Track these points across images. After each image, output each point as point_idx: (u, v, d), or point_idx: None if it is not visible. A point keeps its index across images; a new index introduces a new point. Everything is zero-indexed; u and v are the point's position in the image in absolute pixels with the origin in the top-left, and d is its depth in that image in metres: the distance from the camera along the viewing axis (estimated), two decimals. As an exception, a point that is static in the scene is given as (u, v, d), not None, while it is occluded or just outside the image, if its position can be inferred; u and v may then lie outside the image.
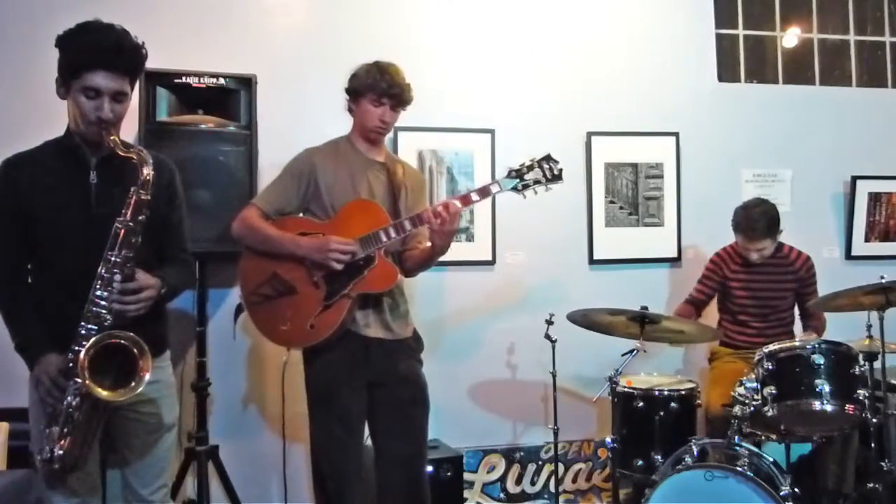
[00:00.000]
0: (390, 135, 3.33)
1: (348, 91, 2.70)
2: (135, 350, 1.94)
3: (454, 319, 3.71)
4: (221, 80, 3.09)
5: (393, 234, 2.52)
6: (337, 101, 3.56)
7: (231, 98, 3.12)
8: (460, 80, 3.72)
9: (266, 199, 2.66)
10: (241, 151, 3.08)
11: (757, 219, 3.35)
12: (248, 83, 3.13)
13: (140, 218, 1.97)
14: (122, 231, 1.96)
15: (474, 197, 2.54)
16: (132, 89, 2.07)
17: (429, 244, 2.64)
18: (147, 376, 1.94)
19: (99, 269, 1.94)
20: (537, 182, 2.54)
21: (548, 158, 2.57)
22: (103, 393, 1.91)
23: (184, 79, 3.03)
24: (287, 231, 2.59)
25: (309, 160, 2.67)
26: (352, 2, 3.66)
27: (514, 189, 2.55)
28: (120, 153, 1.99)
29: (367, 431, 2.72)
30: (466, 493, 3.56)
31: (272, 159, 3.37)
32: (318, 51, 3.59)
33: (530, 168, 2.55)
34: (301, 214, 2.68)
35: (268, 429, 3.52)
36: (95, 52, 1.96)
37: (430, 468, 2.92)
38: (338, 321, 2.52)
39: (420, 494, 2.68)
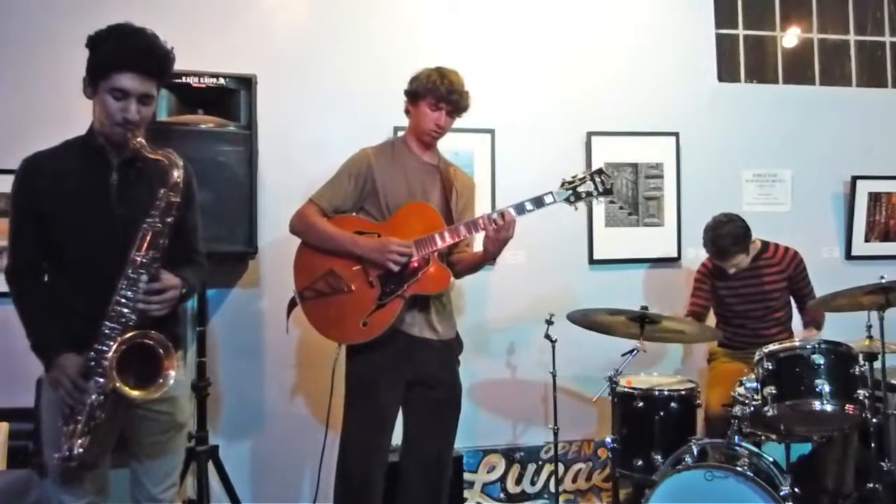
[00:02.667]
0: (391, 134, 3.35)
1: (408, 93, 2.73)
2: (160, 350, 1.96)
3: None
4: (221, 80, 3.09)
5: (448, 239, 2.58)
6: (337, 101, 3.59)
7: (231, 98, 3.11)
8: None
9: (324, 196, 2.69)
10: (241, 151, 3.08)
11: (722, 238, 3.32)
12: (248, 83, 3.12)
13: (169, 220, 1.99)
14: (151, 233, 1.97)
15: (528, 206, 2.61)
16: (158, 93, 2.08)
17: (474, 249, 2.71)
18: (173, 374, 1.97)
19: (125, 270, 1.95)
20: (589, 194, 2.65)
21: (600, 172, 2.67)
22: (134, 392, 1.93)
23: (184, 79, 3.02)
24: (344, 229, 2.64)
25: (366, 160, 2.70)
26: (352, 2, 3.66)
27: (567, 200, 2.65)
28: (148, 155, 1.99)
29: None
30: (466, 493, 3.57)
31: (272, 159, 3.39)
32: (318, 51, 3.59)
33: (583, 180, 2.65)
34: (355, 213, 2.72)
35: (269, 429, 3.52)
36: (126, 53, 1.97)
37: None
38: (390, 320, 2.57)
39: (441, 495, 2.74)
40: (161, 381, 1.96)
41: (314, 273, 2.64)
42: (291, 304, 2.72)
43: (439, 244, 2.57)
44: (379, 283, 2.58)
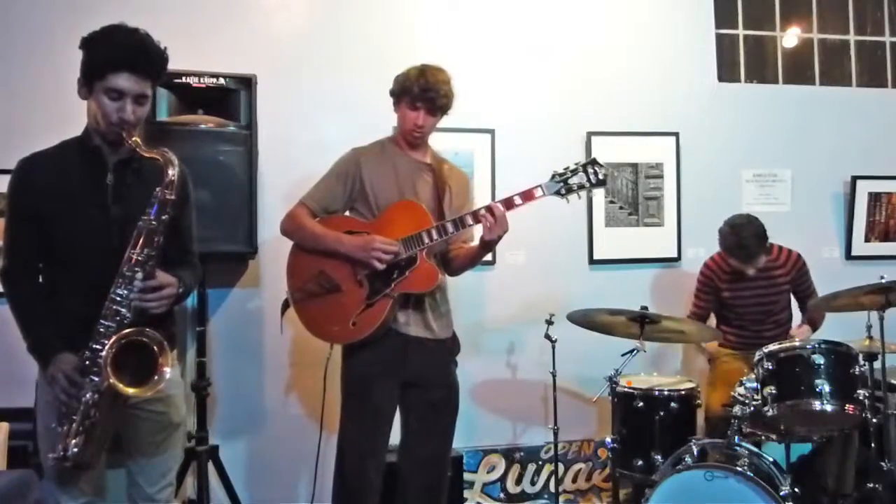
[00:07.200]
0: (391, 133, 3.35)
1: (391, 93, 2.71)
2: (155, 348, 1.96)
3: (454, 319, 3.70)
4: (221, 80, 3.09)
5: (435, 236, 2.55)
6: (337, 101, 3.59)
7: (231, 98, 3.11)
8: (460, 80, 3.67)
9: (313, 197, 2.68)
10: (241, 151, 3.08)
11: (749, 241, 3.28)
12: (248, 83, 3.12)
13: (164, 217, 1.99)
14: (146, 230, 1.97)
15: (517, 200, 2.58)
16: (153, 92, 2.09)
17: (474, 244, 2.69)
18: (168, 371, 1.96)
19: (120, 268, 1.96)
20: (581, 187, 2.58)
21: (593, 163, 2.60)
22: (129, 390, 1.92)
23: (184, 79, 3.02)
24: (333, 229, 2.63)
25: (355, 160, 2.69)
26: (352, 2, 3.66)
27: (558, 193, 2.58)
28: (143, 154, 2.00)
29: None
30: (466, 493, 3.57)
31: (272, 159, 3.39)
32: (318, 51, 3.59)
33: (574, 172, 2.59)
34: (347, 213, 2.71)
35: (269, 429, 3.52)
36: (121, 54, 1.98)
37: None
38: (379, 320, 2.55)
39: (441, 496, 2.73)
40: (156, 378, 1.96)
41: (305, 274, 2.64)
42: (285, 306, 2.72)
43: (427, 242, 2.54)
44: (367, 283, 2.57)
